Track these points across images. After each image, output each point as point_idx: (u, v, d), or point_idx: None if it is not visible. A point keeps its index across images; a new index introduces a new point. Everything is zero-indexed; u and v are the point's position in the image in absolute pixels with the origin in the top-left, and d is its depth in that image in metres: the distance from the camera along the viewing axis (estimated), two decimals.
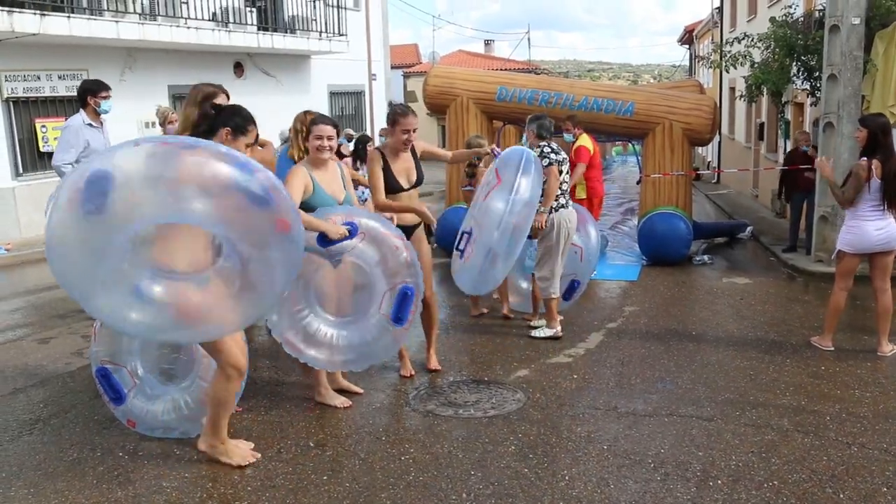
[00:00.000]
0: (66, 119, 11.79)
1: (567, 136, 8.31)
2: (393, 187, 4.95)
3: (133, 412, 4.21)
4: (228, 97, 4.36)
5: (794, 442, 4.11)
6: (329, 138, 4.44)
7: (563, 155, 6.28)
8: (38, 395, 5.05)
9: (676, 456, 3.96)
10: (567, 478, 3.73)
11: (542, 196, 6.01)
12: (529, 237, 6.19)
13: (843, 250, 5.60)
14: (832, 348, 5.66)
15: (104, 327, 4.14)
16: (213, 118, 4.05)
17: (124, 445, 4.19)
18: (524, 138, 6.64)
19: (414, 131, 4.93)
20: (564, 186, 6.19)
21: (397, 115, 4.95)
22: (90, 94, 6.45)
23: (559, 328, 6.11)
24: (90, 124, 6.45)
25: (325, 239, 4.23)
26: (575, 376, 5.25)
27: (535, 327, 6.27)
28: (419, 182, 5.12)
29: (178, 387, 4.23)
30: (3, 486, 3.76)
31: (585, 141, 8.33)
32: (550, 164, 6.04)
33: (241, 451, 3.97)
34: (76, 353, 5.94)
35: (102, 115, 6.56)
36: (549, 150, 6.16)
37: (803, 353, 5.64)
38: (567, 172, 6.27)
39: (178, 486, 3.72)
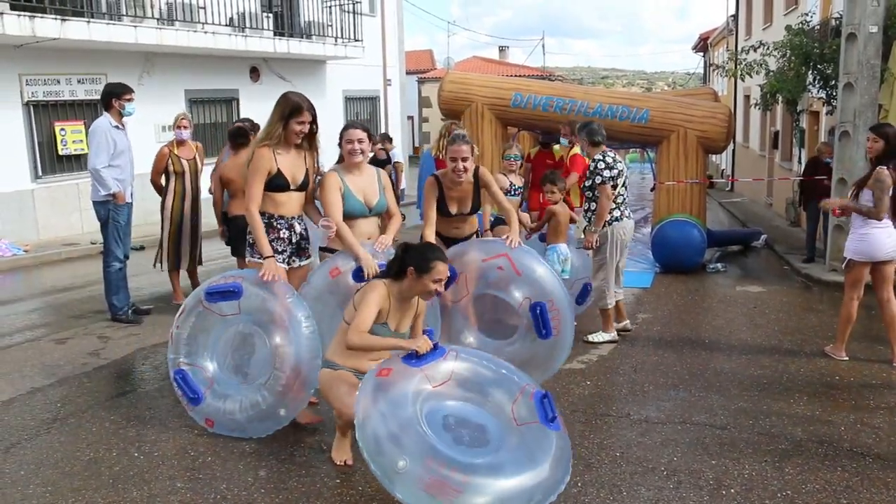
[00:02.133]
0: (85, 123, 12.01)
1: (563, 141, 8.26)
2: (443, 212, 4.98)
3: (210, 412, 4.31)
4: (314, 114, 4.50)
5: (808, 451, 4.09)
6: (360, 141, 4.56)
7: (620, 167, 6.10)
8: (55, 394, 5.11)
9: (689, 464, 3.95)
10: (580, 484, 3.74)
11: (593, 213, 6.08)
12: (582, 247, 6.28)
13: (854, 259, 5.57)
14: (846, 358, 5.64)
15: (178, 332, 4.38)
16: (401, 260, 3.81)
17: (140, 446, 4.24)
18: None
19: (463, 159, 4.73)
20: (619, 199, 6.09)
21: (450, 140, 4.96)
22: (114, 97, 6.55)
23: (615, 332, 6.22)
24: (116, 126, 6.55)
25: (359, 273, 4.21)
26: (588, 383, 5.25)
27: (590, 333, 6.29)
28: (473, 210, 5.05)
29: (254, 384, 4.24)
30: (21, 483, 3.81)
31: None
32: (603, 181, 5.96)
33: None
34: (93, 354, 6.00)
35: (125, 118, 6.65)
36: (604, 164, 6.00)
37: (817, 363, 5.61)
38: (623, 185, 6.12)
39: (192, 487, 3.75)
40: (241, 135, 6.87)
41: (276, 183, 4.41)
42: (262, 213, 4.43)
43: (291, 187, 4.47)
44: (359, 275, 4.32)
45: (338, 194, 4.52)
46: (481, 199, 5.09)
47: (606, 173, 5.98)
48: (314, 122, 4.49)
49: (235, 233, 6.64)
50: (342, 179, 4.57)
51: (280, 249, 4.48)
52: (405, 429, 3.14)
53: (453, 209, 4.98)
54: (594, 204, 6.09)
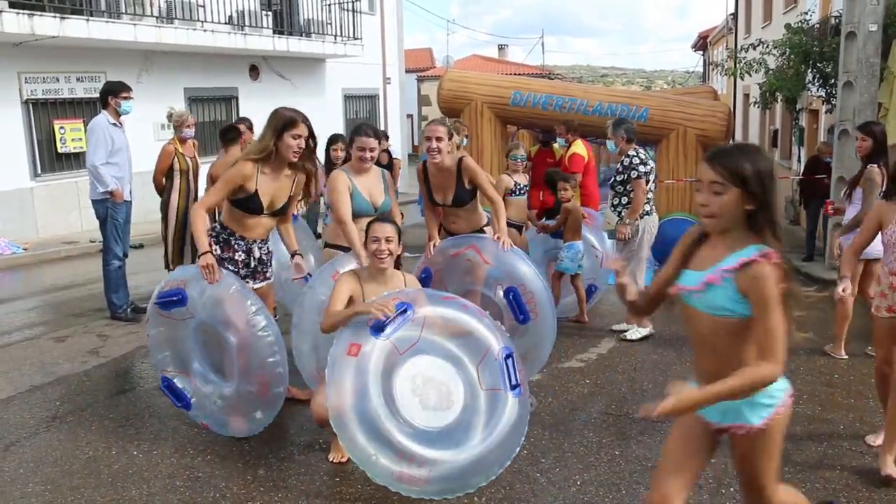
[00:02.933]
0: (85, 121, 12.00)
1: (560, 141, 8.25)
2: (432, 201, 5.08)
3: (200, 415, 4.27)
4: (309, 127, 4.30)
5: (808, 450, 4.10)
6: (371, 150, 4.58)
7: (652, 164, 6.30)
8: (54, 392, 5.11)
9: None
10: (579, 483, 3.74)
11: (624, 207, 6.18)
12: (612, 238, 6.39)
13: None
14: (846, 357, 5.64)
15: (150, 339, 4.32)
16: None
17: (139, 444, 4.24)
18: (609, 143, 6.52)
19: (437, 139, 4.77)
20: (650, 195, 6.27)
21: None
22: (111, 95, 6.59)
23: (650, 326, 6.25)
24: (114, 124, 6.57)
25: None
26: (587, 381, 5.26)
27: (624, 331, 6.32)
28: (457, 201, 4.98)
29: (226, 384, 4.19)
30: (21, 482, 3.81)
31: (579, 148, 8.12)
32: (639, 176, 6.09)
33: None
34: (92, 352, 6.00)
35: (122, 116, 6.66)
36: (639, 160, 6.14)
37: (816, 362, 5.62)
38: (653, 181, 6.32)
39: (191, 486, 3.75)
40: (229, 130, 6.87)
41: (249, 204, 4.21)
42: (225, 228, 4.31)
43: (265, 212, 4.28)
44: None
45: (347, 194, 4.52)
46: (475, 193, 4.99)
47: (642, 168, 6.11)
48: (311, 136, 4.27)
49: None
50: (350, 179, 4.58)
51: (231, 269, 4.25)
52: (370, 424, 3.33)
53: (438, 198, 5.01)
54: (625, 198, 6.23)
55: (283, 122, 4.17)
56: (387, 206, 4.68)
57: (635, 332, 6.24)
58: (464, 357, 3.64)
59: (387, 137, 12.65)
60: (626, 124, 6.40)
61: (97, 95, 7.22)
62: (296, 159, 4.24)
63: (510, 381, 3.61)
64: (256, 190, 4.18)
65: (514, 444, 3.58)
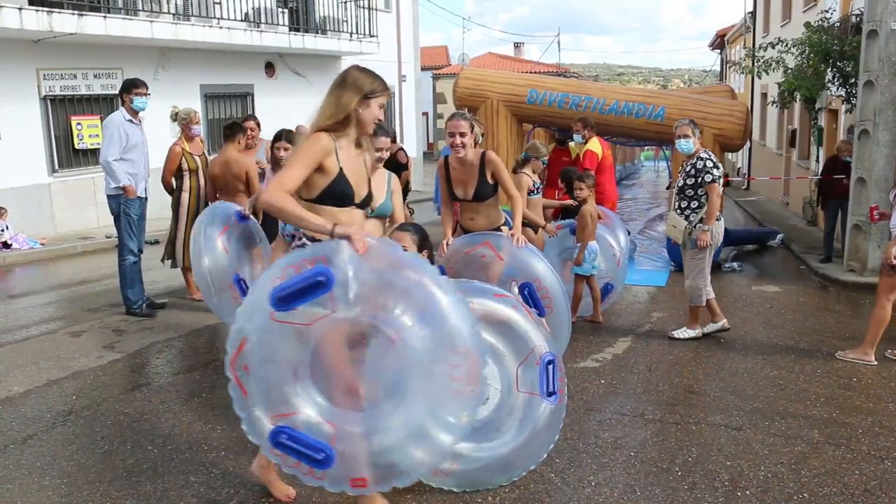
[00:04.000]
0: (101, 117, 12.06)
1: (577, 138, 8.20)
2: (451, 196, 5.05)
3: (351, 469, 2.87)
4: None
5: (825, 454, 4.05)
6: (387, 150, 4.57)
7: (722, 169, 6.13)
8: (70, 387, 5.14)
9: (704, 465, 3.92)
10: (593, 483, 3.71)
11: (701, 211, 5.99)
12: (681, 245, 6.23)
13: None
14: (875, 362, 5.54)
15: (247, 376, 2.87)
16: None
17: (153, 439, 4.25)
18: (683, 142, 6.30)
19: (461, 134, 4.74)
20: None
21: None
22: (125, 92, 6.64)
23: (700, 329, 6.21)
24: (130, 120, 6.61)
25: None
26: (602, 381, 5.22)
27: (674, 329, 6.30)
28: (479, 196, 4.93)
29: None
30: (37, 475, 3.84)
31: (594, 145, 8.11)
32: (713, 180, 5.91)
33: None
34: (107, 347, 6.03)
35: (140, 112, 6.70)
36: (712, 163, 5.96)
37: (834, 364, 5.55)
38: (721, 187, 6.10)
39: (205, 482, 3.76)
40: (229, 127, 6.87)
41: (337, 190, 3.14)
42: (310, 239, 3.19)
43: (355, 201, 3.25)
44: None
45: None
46: (496, 189, 4.95)
47: (716, 172, 5.92)
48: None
49: None
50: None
51: None
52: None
53: (459, 192, 4.99)
54: (694, 202, 6.02)
55: (371, 85, 3.16)
56: (386, 209, 4.56)
57: (683, 332, 6.19)
58: (506, 355, 3.63)
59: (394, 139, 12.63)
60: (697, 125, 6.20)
61: (114, 92, 7.27)
62: (371, 132, 3.33)
63: (548, 387, 3.59)
64: (341, 168, 3.16)
65: (542, 451, 3.63)
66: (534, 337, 3.63)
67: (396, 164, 10.41)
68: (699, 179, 5.97)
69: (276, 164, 6.21)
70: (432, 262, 3.79)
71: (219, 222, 5.66)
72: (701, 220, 5.99)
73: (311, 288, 2.79)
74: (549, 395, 3.59)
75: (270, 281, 2.86)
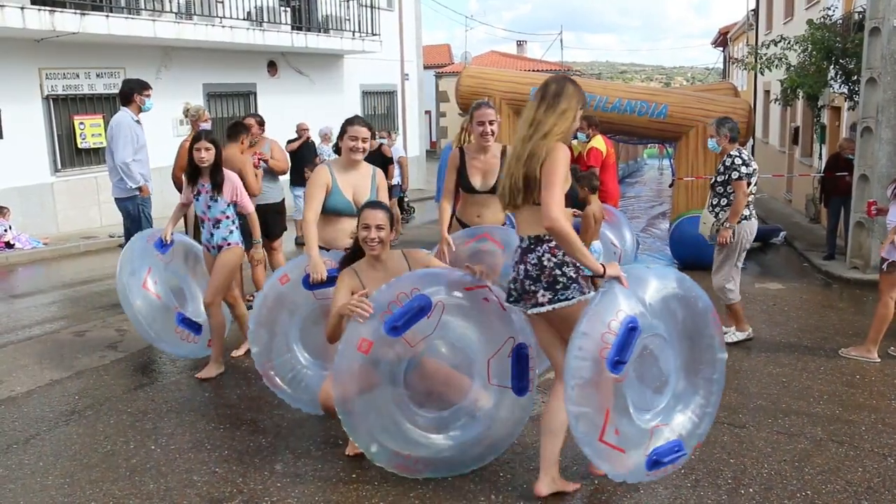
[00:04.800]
0: (104, 116, 12.09)
1: (581, 136, 8.18)
2: (465, 186, 4.93)
3: None
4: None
5: (829, 452, 4.04)
6: (363, 140, 4.39)
7: (754, 166, 5.95)
8: (73, 386, 5.15)
9: (707, 462, 3.92)
10: (596, 482, 3.71)
11: (722, 209, 5.94)
12: (711, 244, 6.15)
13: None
14: (878, 359, 5.54)
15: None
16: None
17: (157, 438, 4.26)
18: (709, 141, 6.25)
19: (490, 122, 4.73)
20: (751, 198, 5.97)
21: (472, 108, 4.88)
22: (136, 93, 6.66)
23: (750, 330, 6.06)
24: (136, 121, 6.64)
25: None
26: None
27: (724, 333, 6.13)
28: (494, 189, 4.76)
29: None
30: (40, 474, 3.84)
31: (598, 143, 8.08)
32: (740, 177, 5.80)
33: None
34: (110, 347, 6.04)
35: (143, 113, 6.73)
36: (741, 160, 5.84)
37: (837, 361, 5.55)
38: (755, 184, 5.99)
39: (208, 480, 3.76)
40: (233, 126, 6.85)
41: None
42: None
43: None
44: (307, 282, 4.18)
45: (322, 191, 4.34)
46: None
47: (744, 170, 5.81)
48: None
49: None
50: (332, 175, 4.39)
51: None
52: (376, 418, 3.53)
53: (477, 181, 4.86)
54: (724, 200, 5.96)
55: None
56: None
57: (733, 336, 5.99)
58: (478, 348, 3.66)
59: (389, 135, 12.63)
60: (730, 123, 6.10)
61: (116, 91, 7.28)
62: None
63: (520, 381, 3.66)
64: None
65: (505, 443, 3.81)
66: (506, 330, 3.65)
67: (383, 159, 10.45)
68: (728, 176, 5.89)
69: (195, 166, 5.25)
70: (394, 230, 3.85)
71: (140, 267, 5.35)
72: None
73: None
74: (520, 389, 3.67)
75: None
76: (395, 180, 11.63)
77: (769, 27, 19.51)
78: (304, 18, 15.65)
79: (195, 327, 5.47)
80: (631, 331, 3.18)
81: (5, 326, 6.71)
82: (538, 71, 25.25)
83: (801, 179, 14.17)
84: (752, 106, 14.45)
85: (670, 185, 10.12)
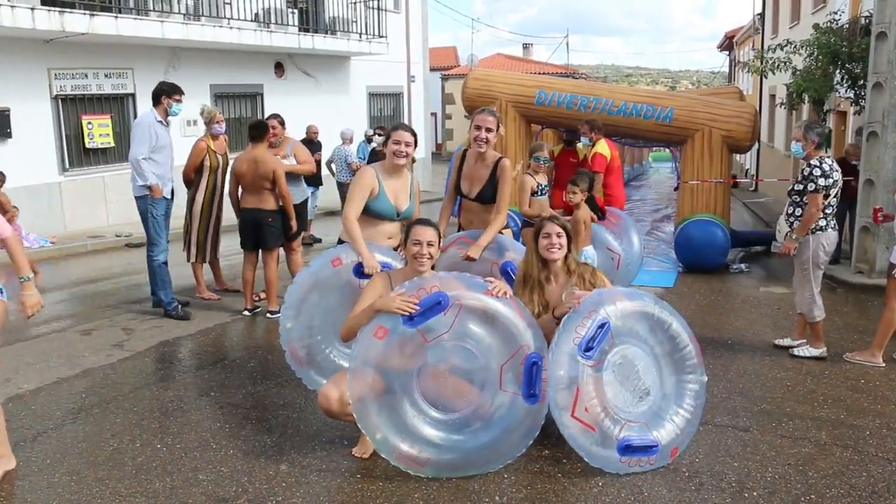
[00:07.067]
0: (112, 117, 12.15)
1: (584, 140, 8.17)
2: (458, 190, 4.99)
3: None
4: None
5: (833, 456, 4.04)
6: (406, 144, 4.47)
7: (836, 176, 5.58)
8: (80, 385, 5.18)
9: (711, 466, 3.92)
10: (600, 484, 3.72)
11: (797, 219, 5.69)
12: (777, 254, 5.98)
13: None
14: (884, 364, 5.53)
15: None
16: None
17: (162, 437, 4.28)
18: (793, 145, 5.83)
19: (487, 129, 4.70)
20: (829, 210, 5.63)
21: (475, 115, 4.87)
22: (165, 95, 6.75)
23: (824, 349, 5.77)
24: (160, 122, 6.69)
25: (360, 269, 4.20)
26: None
27: (793, 346, 5.91)
28: (481, 197, 4.84)
29: None
30: (47, 472, 3.87)
31: (602, 147, 8.04)
32: (816, 189, 5.49)
33: None
34: (117, 345, 6.07)
35: (170, 117, 6.79)
36: (821, 171, 5.50)
37: (842, 366, 5.55)
38: (836, 196, 5.63)
39: (214, 479, 3.78)
40: (256, 126, 6.90)
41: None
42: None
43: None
44: (359, 270, 4.27)
45: (366, 192, 4.43)
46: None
47: (821, 181, 5.49)
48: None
49: (242, 225, 6.84)
50: (379, 179, 4.48)
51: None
52: (384, 408, 3.64)
53: (465, 188, 4.92)
54: (800, 210, 5.68)
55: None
56: (410, 212, 4.61)
57: (805, 350, 5.79)
58: (492, 352, 3.70)
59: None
60: (819, 128, 5.71)
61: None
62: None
63: (530, 388, 3.69)
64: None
65: (516, 451, 3.77)
66: (521, 335, 3.72)
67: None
68: (805, 187, 5.62)
69: None
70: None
71: None
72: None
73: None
74: (530, 396, 3.68)
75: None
76: None
77: (775, 31, 19.49)
78: (311, 20, 15.71)
79: None
80: (600, 327, 3.70)
81: (13, 324, 6.73)
82: (544, 74, 25.26)
83: None
84: (758, 110, 14.43)
85: (675, 189, 10.12)
